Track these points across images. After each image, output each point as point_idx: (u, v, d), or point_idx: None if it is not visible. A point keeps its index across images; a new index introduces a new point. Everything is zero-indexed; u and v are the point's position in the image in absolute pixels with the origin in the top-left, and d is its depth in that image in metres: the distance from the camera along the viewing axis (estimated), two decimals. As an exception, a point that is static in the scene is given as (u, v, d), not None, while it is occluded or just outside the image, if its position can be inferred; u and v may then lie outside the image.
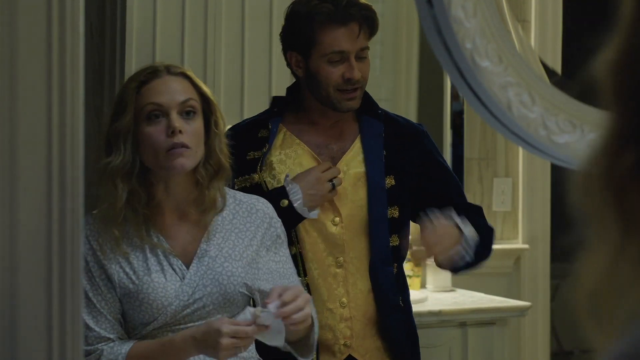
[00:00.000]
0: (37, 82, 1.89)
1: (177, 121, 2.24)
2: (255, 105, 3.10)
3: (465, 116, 4.28)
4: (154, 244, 2.29)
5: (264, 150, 2.65)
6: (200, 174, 2.29)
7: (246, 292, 2.31)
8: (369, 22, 2.62)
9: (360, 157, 2.70)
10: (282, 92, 2.78)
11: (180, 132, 2.23)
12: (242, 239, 2.35)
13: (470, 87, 1.55)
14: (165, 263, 2.28)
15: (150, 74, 2.29)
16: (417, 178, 2.73)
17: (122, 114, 2.25)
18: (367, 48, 2.64)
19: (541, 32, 4.27)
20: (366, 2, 2.64)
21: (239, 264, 2.31)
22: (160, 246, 2.29)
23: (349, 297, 2.67)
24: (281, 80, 2.76)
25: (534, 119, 1.57)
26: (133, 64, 3.11)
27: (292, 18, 2.64)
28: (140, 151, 2.26)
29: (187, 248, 2.31)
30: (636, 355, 0.72)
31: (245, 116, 3.02)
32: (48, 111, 1.90)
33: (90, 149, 2.17)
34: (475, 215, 2.75)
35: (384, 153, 2.69)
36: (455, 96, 4.26)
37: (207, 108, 2.31)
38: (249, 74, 3.27)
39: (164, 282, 2.26)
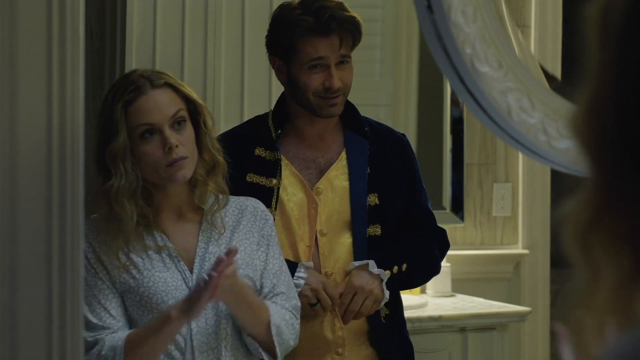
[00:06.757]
0: (37, 86, 1.89)
1: (171, 137, 2.27)
2: (255, 109, 3.10)
3: (465, 121, 4.28)
4: (158, 246, 2.32)
5: (274, 183, 2.66)
6: (198, 172, 2.32)
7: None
8: (351, 34, 2.61)
9: (346, 170, 2.70)
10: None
11: (176, 146, 2.26)
12: (240, 235, 2.39)
13: (470, 93, 1.55)
14: (168, 261, 2.31)
15: (134, 91, 2.28)
16: (405, 196, 2.75)
17: (115, 135, 2.25)
18: (349, 55, 2.63)
19: (541, 37, 4.27)
20: (350, 14, 2.61)
21: (238, 257, 2.32)
22: (164, 247, 2.32)
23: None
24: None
25: (534, 124, 1.57)
26: (133, 68, 3.11)
27: (274, 25, 2.64)
28: (139, 167, 2.29)
29: (187, 247, 2.35)
30: (634, 355, 0.74)
31: (246, 119, 3.01)
32: (48, 115, 1.90)
33: (90, 152, 2.17)
34: (422, 238, 2.77)
35: (368, 171, 2.69)
36: (455, 101, 4.26)
37: (194, 110, 2.33)
38: (249, 77, 3.27)
39: (165, 276, 2.29)
